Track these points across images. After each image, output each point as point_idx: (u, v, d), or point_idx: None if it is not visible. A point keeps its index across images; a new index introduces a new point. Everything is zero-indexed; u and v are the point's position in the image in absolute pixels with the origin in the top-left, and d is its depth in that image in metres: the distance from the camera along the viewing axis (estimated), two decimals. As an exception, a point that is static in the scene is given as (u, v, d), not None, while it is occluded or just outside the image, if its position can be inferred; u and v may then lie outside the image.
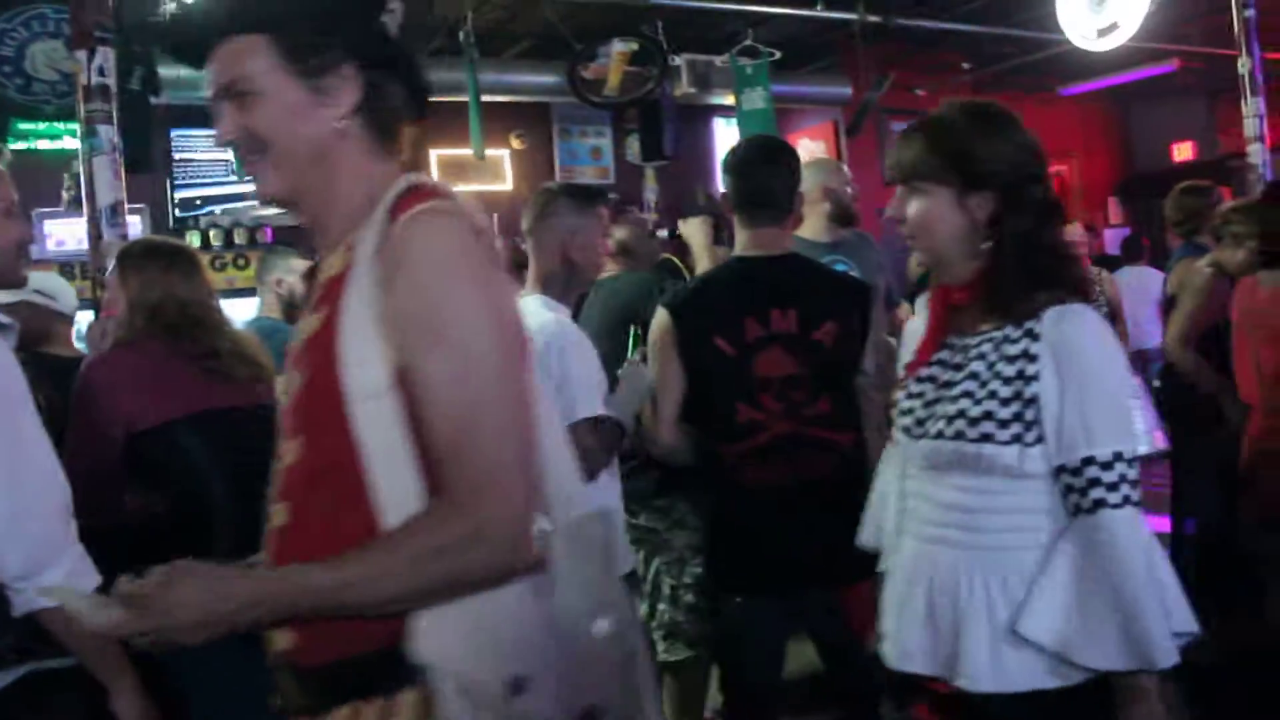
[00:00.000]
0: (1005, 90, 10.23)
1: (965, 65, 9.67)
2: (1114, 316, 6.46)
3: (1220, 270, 4.03)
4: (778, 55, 7.71)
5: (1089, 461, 1.77)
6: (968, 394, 1.87)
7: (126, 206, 3.84)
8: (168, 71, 6.09)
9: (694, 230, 4.18)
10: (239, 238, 7.62)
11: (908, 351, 2.12)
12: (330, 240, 1.52)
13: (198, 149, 7.70)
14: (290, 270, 4.69)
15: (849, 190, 4.20)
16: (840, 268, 3.80)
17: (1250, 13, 5.86)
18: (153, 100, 5.22)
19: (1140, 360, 7.64)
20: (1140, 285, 7.71)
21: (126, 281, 2.78)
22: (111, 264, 2.91)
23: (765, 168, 2.91)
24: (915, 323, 2.16)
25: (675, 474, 3.35)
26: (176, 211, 7.66)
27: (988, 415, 1.83)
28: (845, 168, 4.47)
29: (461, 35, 6.66)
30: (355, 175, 1.50)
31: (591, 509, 1.53)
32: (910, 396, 2.01)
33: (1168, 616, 1.73)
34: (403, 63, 1.55)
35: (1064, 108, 11.00)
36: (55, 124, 6.52)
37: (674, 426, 2.91)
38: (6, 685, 1.96)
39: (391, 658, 1.36)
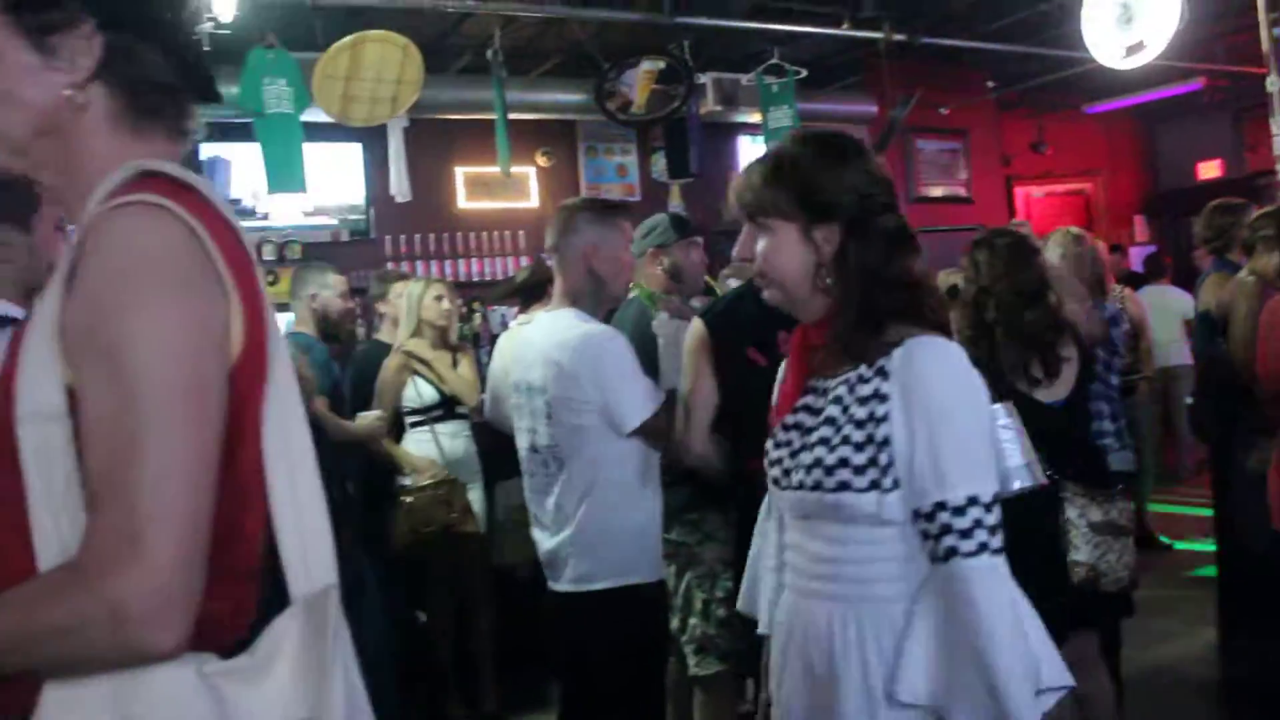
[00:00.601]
0: (1030, 108, 10.25)
1: (990, 83, 9.68)
2: (1138, 334, 6.45)
3: (1261, 278, 4.03)
4: (804, 74, 7.75)
5: (941, 507, 1.66)
6: (824, 440, 1.78)
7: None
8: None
9: None
10: (268, 253, 7.70)
11: (775, 397, 2.04)
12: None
13: (226, 165, 7.78)
14: (324, 285, 4.75)
15: None
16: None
17: None
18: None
19: (1164, 378, 7.63)
20: (1163, 304, 7.71)
21: None
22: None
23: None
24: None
25: (707, 488, 3.37)
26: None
27: (843, 462, 1.74)
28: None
29: (489, 54, 6.71)
30: (97, 155, 1.28)
31: (330, 582, 1.29)
32: (778, 445, 1.91)
33: (1030, 675, 1.61)
34: (166, 29, 1.32)
35: (1089, 126, 11.02)
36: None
37: (706, 438, 2.92)
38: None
39: None
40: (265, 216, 7.86)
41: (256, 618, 1.23)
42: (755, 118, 8.07)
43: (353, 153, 8.11)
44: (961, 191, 10.05)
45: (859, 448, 1.73)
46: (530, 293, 4.91)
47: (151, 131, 1.31)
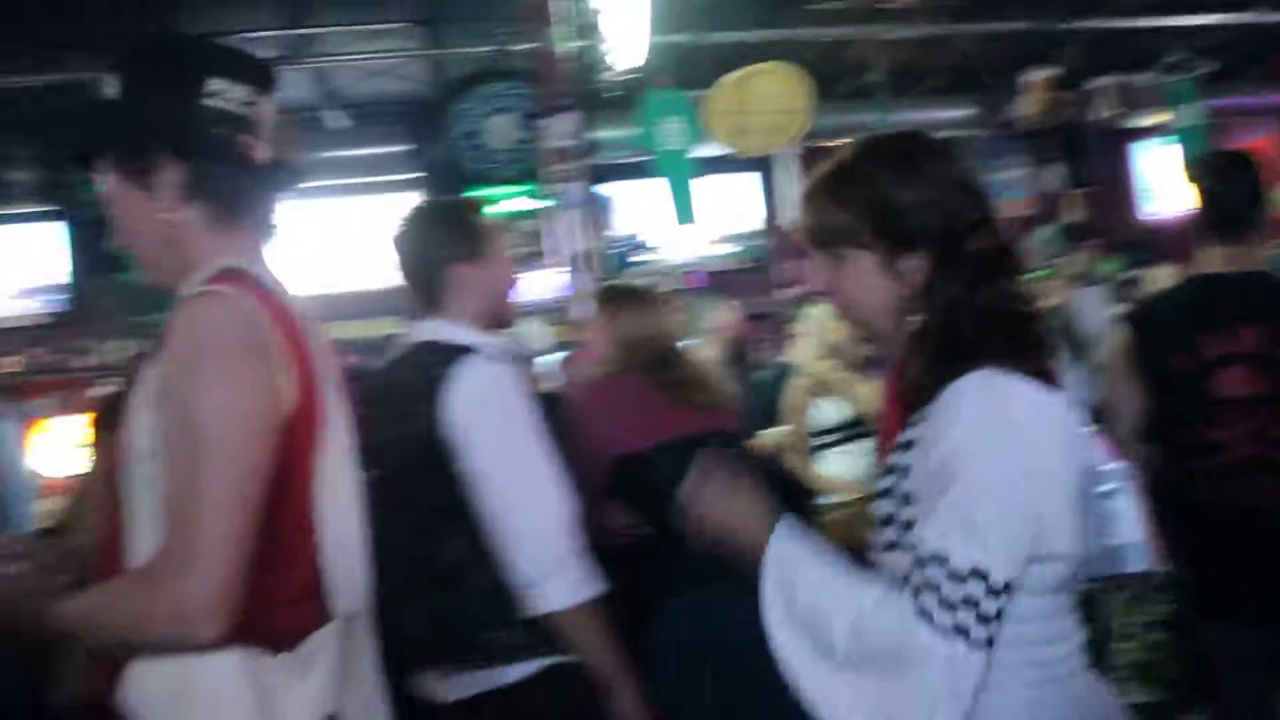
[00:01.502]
0: None
1: None
2: None
3: None
4: (1216, 67, 7.30)
5: (939, 561, 1.36)
6: (885, 491, 1.53)
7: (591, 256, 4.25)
8: (597, 133, 6.62)
9: None
10: (670, 284, 8.07)
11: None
12: None
13: (607, 202, 8.22)
14: (717, 312, 4.99)
15: None
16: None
17: None
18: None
19: None
20: None
21: (607, 321, 3.09)
22: (584, 307, 3.22)
23: (1230, 183, 2.81)
24: None
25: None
26: (605, 259, 8.22)
27: (880, 517, 1.52)
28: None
29: (871, 76, 6.78)
30: (200, 258, 1.57)
31: (360, 608, 1.62)
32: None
33: None
34: (233, 150, 1.58)
35: None
36: (505, 187, 7.21)
37: (1130, 444, 2.85)
38: (530, 674, 2.22)
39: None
40: (655, 249, 8.25)
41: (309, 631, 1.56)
42: (1155, 119, 7.68)
43: (751, 182, 8.39)
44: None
45: (889, 500, 1.51)
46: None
47: (236, 232, 1.60)
